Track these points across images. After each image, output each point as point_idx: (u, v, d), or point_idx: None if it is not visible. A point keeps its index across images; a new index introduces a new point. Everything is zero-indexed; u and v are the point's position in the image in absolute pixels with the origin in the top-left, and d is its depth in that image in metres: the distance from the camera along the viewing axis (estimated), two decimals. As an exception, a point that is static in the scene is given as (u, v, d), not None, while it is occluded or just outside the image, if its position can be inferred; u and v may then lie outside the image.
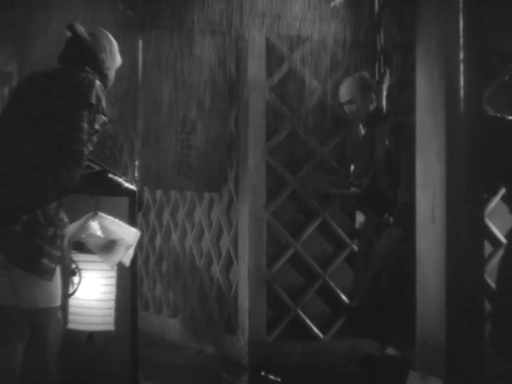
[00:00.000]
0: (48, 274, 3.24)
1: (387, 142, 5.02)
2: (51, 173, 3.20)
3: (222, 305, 5.86)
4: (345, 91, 5.21)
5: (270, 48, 5.58)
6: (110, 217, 3.71)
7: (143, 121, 6.23)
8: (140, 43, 5.91)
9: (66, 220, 3.53)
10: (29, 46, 5.79)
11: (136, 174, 6.35)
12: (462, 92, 4.55)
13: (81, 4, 5.42)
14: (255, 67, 5.53)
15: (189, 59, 5.76)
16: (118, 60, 3.62)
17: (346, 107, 5.22)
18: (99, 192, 3.71)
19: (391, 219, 5.00)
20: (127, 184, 3.84)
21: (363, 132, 5.40)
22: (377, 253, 5.00)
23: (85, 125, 3.26)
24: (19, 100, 3.45)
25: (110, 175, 3.72)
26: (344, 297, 5.65)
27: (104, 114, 3.36)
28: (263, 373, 5.24)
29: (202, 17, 5.53)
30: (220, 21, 5.47)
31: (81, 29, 3.49)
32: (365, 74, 5.32)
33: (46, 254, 3.22)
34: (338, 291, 5.67)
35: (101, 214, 3.70)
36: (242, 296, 5.56)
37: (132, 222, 3.87)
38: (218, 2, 5.44)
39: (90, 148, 3.35)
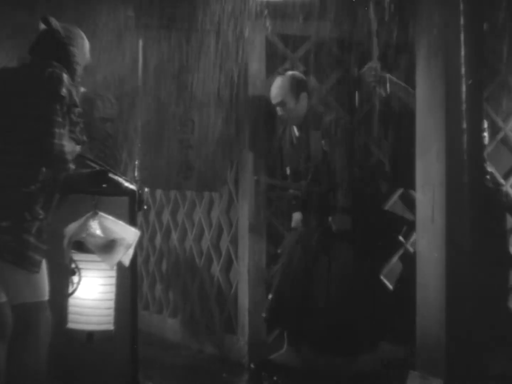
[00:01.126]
0: (34, 266, 3.26)
1: (323, 144, 4.86)
2: (34, 170, 3.23)
3: (222, 305, 5.85)
4: (276, 92, 4.97)
5: (271, 48, 5.58)
6: (110, 217, 3.71)
7: (143, 121, 6.23)
8: (140, 43, 5.91)
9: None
10: (28, 45, 5.77)
11: (136, 173, 6.34)
12: (462, 92, 4.55)
13: (81, 3, 5.43)
14: (255, 67, 5.52)
15: (189, 59, 5.75)
16: (88, 58, 3.66)
17: (278, 109, 4.99)
18: (99, 192, 3.71)
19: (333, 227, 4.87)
20: (127, 184, 3.84)
21: (297, 134, 5.14)
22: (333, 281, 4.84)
23: (58, 119, 3.29)
24: None
25: (110, 175, 3.72)
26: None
27: (76, 105, 3.38)
28: (263, 373, 5.23)
29: (202, 17, 5.53)
30: (220, 21, 5.46)
31: (55, 22, 3.54)
32: (298, 73, 5.06)
33: (32, 247, 3.24)
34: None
35: (101, 213, 3.70)
36: (242, 296, 5.55)
37: (132, 221, 3.87)
38: (218, 2, 5.44)
39: (85, 138, 3.39)
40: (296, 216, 5.10)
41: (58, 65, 3.42)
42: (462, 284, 4.58)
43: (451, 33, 4.55)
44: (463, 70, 4.53)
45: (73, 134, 3.35)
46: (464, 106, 4.55)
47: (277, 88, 4.97)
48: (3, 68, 3.60)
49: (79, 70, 3.59)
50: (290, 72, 5.01)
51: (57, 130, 3.27)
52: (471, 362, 4.59)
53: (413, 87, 5.02)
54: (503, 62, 5.91)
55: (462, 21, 4.52)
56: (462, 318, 4.58)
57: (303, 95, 4.95)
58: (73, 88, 3.38)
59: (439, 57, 4.62)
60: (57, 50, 3.51)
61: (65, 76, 3.37)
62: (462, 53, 4.53)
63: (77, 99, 3.40)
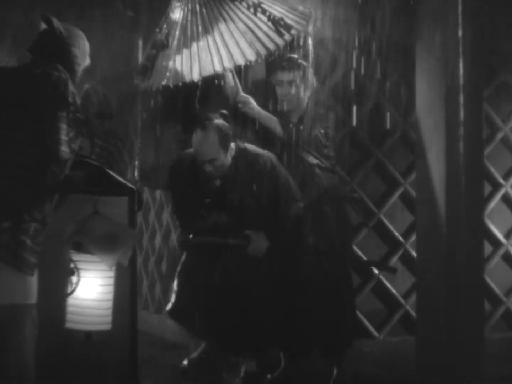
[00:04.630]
0: (29, 269, 3.26)
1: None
2: (35, 174, 3.23)
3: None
4: (206, 149, 4.41)
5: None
6: (109, 217, 3.71)
7: (143, 120, 6.22)
8: (140, 43, 5.91)
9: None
10: (28, 44, 5.79)
11: (136, 173, 6.34)
12: (462, 92, 4.55)
13: (81, 3, 5.43)
14: (255, 67, 5.52)
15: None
16: (88, 60, 3.63)
17: (206, 166, 4.42)
18: (98, 192, 3.72)
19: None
20: (126, 184, 3.85)
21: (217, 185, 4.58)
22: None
23: (65, 126, 3.28)
24: None
25: (109, 175, 3.72)
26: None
27: (78, 112, 3.37)
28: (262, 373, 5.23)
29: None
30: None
31: (57, 22, 3.52)
32: (221, 121, 4.50)
33: (28, 249, 3.24)
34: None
35: (100, 213, 3.70)
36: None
37: (131, 221, 3.87)
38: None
39: (76, 145, 3.37)
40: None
41: (62, 69, 3.39)
42: (462, 284, 4.58)
43: (450, 34, 4.56)
44: (462, 70, 4.53)
45: (67, 137, 3.34)
46: (464, 106, 4.55)
47: (207, 144, 4.41)
48: (1, 67, 3.58)
49: (79, 71, 3.57)
50: (214, 123, 4.46)
51: (61, 137, 3.26)
52: (471, 362, 4.60)
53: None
54: (503, 62, 5.92)
55: (461, 21, 4.52)
56: (462, 318, 4.59)
57: (231, 146, 4.48)
58: (75, 92, 3.37)
59: (438, 57, 4.62)
60: (59, 51, 3.48)
61: (70, 81, 3.36)
62: (462, 53, 4.54)
63: (78, 105, 3.39)
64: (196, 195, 4.59)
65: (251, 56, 4.22)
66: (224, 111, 4.61)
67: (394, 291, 5.72)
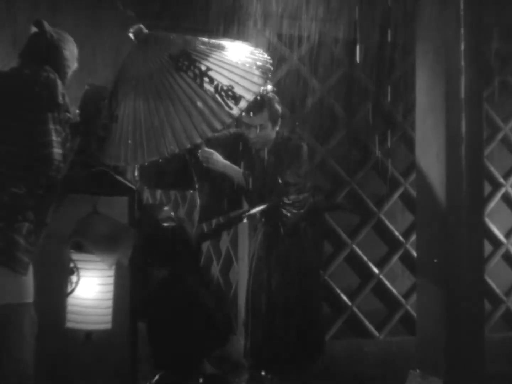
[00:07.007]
0: (22, 268, 3.25)
1: None
2: (28, 175, 3.23)
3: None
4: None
5: (271, 48, 5.58)
6: (109, 217, 3.71)
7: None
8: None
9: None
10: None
11: (136, 173, 6.34)
12: (462, 92, 4.55)
13: (81, 3, 5.43)
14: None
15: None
16: (76, 64, 3.64)
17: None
18: (98, 192, 3.71)
19: None
20: (126, 183, 3.84)
21: None
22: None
23: (53, 127, 3.29)
24: None
25: (109, 175, 3.72)
26: (345, 298, 5.65)
27: (68, 111, 3.38)
28: (263, 373, 5.23)
29: (202, 17, 5.54)
30: (220, 21, 5.47)
31: (47, 25, 3.54)
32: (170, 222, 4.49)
33: (21, 248, 3.23)
34: (338, 291, 5.67)
35: (100, 213, 3.70)
36: (242, 296, 5.55)
37: (131, 221, 3.86)
38: (218, 2, 5.45)
39: (68, 144, 3.38)
40: None
41: (50, 69, 3.41)
42: (462, 284, 4.58)
43: (451, 33, 4.56)
44: (463, 70, 4.53)
45: (60, 138, 3.34)
46: (464, 106, 4.55)
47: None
48: None
49: (69, 73, 3.58)
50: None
51: (50, 139, 3.27)
52: (471, 362, 4.60)
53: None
54: (503, 62, 5.92)
55: (462, 21, 4.52)
56: (462, 318, 4.58)
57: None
58: (65, 93, 3.39)
59: (439, 57, 4.62)
60: (49, 53, 3.50)
61: (59, 81, 3.37)
62: (462, 53, 4.53)
63: (68, 104, 3.40)
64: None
65: (196, 139, 4.12)
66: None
67: (394, 291, 5.72)
